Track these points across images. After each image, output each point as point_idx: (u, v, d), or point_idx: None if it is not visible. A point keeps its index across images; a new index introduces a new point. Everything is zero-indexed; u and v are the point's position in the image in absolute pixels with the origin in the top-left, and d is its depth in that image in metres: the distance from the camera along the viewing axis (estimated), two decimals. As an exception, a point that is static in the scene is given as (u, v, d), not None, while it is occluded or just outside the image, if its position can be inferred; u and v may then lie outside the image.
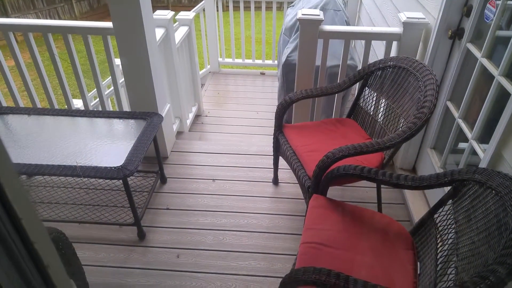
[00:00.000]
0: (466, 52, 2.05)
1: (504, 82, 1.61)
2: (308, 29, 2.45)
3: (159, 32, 2.70)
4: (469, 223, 1.39)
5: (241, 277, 2.07)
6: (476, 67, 1.89)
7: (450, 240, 1.48)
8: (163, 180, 2.70)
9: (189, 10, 3.48)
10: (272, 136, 2.47)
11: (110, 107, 3.35)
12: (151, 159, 2.79)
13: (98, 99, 3.27)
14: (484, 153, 1.70)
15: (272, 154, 2.56)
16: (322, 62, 2.60)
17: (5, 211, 0.36)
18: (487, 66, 1.79)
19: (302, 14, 2.43)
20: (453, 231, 1.48)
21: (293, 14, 3.69)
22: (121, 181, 2.20)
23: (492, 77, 1.72)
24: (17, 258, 0.38)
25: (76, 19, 9.63)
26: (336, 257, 1.56)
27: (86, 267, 1.79)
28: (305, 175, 2.05)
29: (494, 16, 1.76)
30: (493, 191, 1.32)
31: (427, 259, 1.55)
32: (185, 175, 2.78)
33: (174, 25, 3.15)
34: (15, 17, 8.22)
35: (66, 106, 3.04)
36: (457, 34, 2.13)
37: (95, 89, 3.17)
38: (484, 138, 1.83)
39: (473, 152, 1.91)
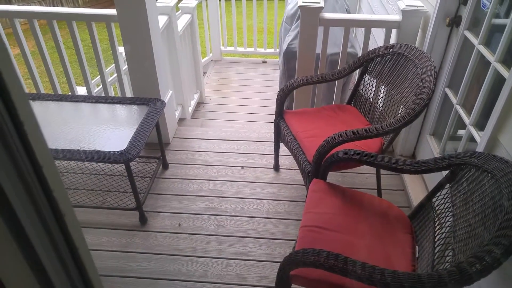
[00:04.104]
0: (464, 39, 2.07)
1: (500, 68, 1.63)
2: (308, 16, 2.47)
3: (162, 20, 2.72)
4: (466, 206, 1.42)
5: (242, 262, 2.11)
6: (473, 54, 1.91)
7: (448, 223, 1.51)
8: (165, 166, 2.74)
9: (191, -1, 3.49)
10: (273, 123, 2.50)
11: (112, 94, 3.37)
12: (154, 145, 2.82)
13: (101, 86, 3.29)
14: (480, 138, 1.72)
15: (272, 140, 2.59)
16: (322, 50, 2.62)
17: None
18: (483, 53, 1.81)
19: (303, 2, 2.44)
20: (451, 214, 1.51)
21: (294, 2, 3.69)
22: (123, 166, 2.24)
23: (488, 63, 1.74)
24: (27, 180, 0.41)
25: (79, 8, 9.60)
26: (335, 240, 1.59)
27: (90, 249, 1.83)
28: (305, 160, 2.08)
29: (490, 4, 1.78)
30: (489, 174, 1.35)
31: (425, 242, 1.59)
32: (187, 161, 2.82)
33: (177, 13, 3.17)
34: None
35: (70, 93, 3.07)
36: (455, 22, 2.15)
37: (98, 77, 3.19)
38: (482, 124, 1.86)
39: (471, 139, 1.93)
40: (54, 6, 9.07)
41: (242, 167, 2.76)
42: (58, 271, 0.49)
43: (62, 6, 9.30)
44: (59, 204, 0.45)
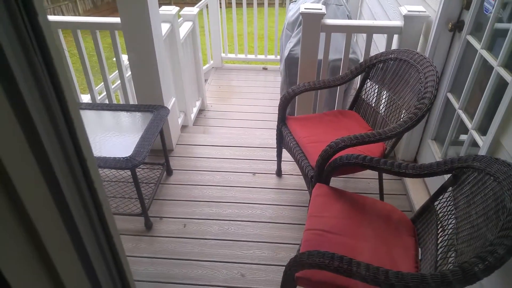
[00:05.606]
0: (466, 44, 2.09)
1: (503, 72, 1.65)
2: (310, 23, 2.50)
3: (165, 27, 2.75)
4: (469, 208, 1.44)
5: (246, 265, 2.12)
6: (476, 58, 1.93)
7: (450, 226, 1.53)
8: (169, 172, 2.76)
9: (192, 7, 3.53)
10: (275, 129, 2.52)
11: (115, 101, 3.40)
12: (157, 152, 2.84)
13: (104, 93, 3.32)
14: (483, 142, 1.74)
15: (275, 146, 2.61)
16: (324, 56, 2.64)
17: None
18: (486, 57, 1.83)
19: (305, 8, 2.47)
20: (453, 216, 1.53)
21: (295, 9, 3.73)
22: (129, 172, 2.26)
23: (491, 68, 1.76)
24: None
25: (80, 16, 9.68)
26: (339, 243, 1.61)
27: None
28: (308, 165, 2.10)
29: (493, 8, 1.80)
30: (492, 177, 1.37)
31: (428, 244, 1.60)
32: (190, 167, 2.84)
33: (179, 20, 3.20)
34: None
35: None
36: (457, 26, 2.18)
37: (101, 84, 3.22)
38: (484, 129, 1.88)
39: (473, 144, 1.95)
40: (54, 14, 9.14)
41: (254, 173, 2.77)
42: (97, 256, 0.52)
43: (63, 14, 9.38)
44: (98, 194, 0.49)
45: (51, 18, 2.74)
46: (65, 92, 0.43)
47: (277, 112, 2.45)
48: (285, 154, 2.52)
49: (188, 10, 3.38)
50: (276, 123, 2.50)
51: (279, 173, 2.75)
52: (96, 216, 0.50)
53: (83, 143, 0.47)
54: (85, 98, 3.43)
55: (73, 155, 0.46)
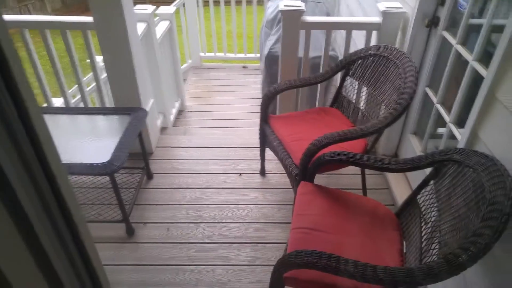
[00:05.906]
0: (442, 39, 2.12)
1: (478, 66, 1.67)
2: (290, 20, 2.48)
3: (141, 27, 2.69)
4: (450, 200, 1.46)
5: (232, 267, 2.10)
6: (452, 53, 1.96)
7: (433, 218, 1.54)
8: (150, 176, 2.70)
9: (168, 5, 3.46)
10: (257, 128, 2.50)
11: (90, 105, 3.31)
12: (136, 155, 2.77)
13: (78, 97, 3.22)
14: (461, 135, 1.76)
15: (258, 146, 2.59)
16: (304, 53, 2.63)
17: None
18: (461, 52, 1.86)
19: (284, 5, 2.46)
20: (436, 209, 1.55)
21: (274, 6, 3.72)
22: (107, 177, 2.19)
23: (466, 62, 1.79)
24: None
25: (48, 15, 9.34)
26: (326, 240, 1.60)
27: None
28: (292, 163, 2.09)
29: (467, 4, 1.83)
30: (471, 169, 1.39)
31: (413, 237, 1.62)
32: (172, 170, 2.79)
33: (155, 19, 3.13)
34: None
35: (46, 105, 2.99)
36: (433, 22, 2.20)
37: (74, 87, 3.12)
38: (461, 122, 1.90)
39: (452, 136, 1.97)
40: (21, 14, 8.82)
41: (240, 174, 2.74)
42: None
43: (30, 14, 9.06)
44: (73, 217, 0.45)
45: (17, 17, 2.61)
46: (24, 99, 0.39)
47: (259, 111, 2.42)
48: (268, 153, 2.50)
49: (164, 9, 3.32)
50: (258, 122, 2.48)
51: (263, 172, 2.73)
52: (71, 241, 0.46)
53: (50, 155, 0.43)
54: (58, 101, 3.31)
55: (37, 170, 0.42)
